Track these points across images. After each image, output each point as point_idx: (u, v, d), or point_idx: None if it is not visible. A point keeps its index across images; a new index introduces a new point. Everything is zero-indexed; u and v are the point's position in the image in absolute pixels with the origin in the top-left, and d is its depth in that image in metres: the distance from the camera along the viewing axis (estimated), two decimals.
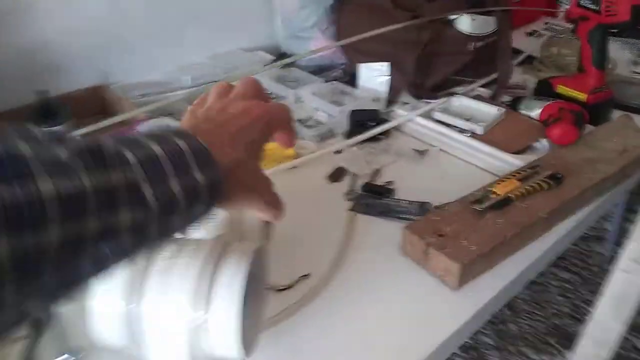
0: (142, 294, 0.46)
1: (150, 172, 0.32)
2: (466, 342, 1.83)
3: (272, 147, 0.93)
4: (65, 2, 0.98)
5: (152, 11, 1.09)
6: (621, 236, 2.23)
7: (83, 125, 0.91)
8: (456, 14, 1.03)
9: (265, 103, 0.44)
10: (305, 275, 0.65)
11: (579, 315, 1.94)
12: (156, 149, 0.33)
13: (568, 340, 1.83)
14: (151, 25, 1.10)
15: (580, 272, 2.13)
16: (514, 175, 0.77)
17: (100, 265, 0.31)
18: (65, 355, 0.55)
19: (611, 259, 2.16)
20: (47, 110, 0.93)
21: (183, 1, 1.14)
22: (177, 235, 0.36)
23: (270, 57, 1.22)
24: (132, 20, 1.07)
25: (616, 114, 1.02)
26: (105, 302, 0.47)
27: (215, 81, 1.06)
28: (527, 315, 1.94)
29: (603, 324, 1.66)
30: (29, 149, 0.26)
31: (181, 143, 0.35)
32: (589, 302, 1.96)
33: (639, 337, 1.84)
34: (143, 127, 0.90)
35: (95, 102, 1.03)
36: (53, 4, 0.97)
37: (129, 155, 0.31)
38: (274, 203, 0.45)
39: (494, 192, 0.73)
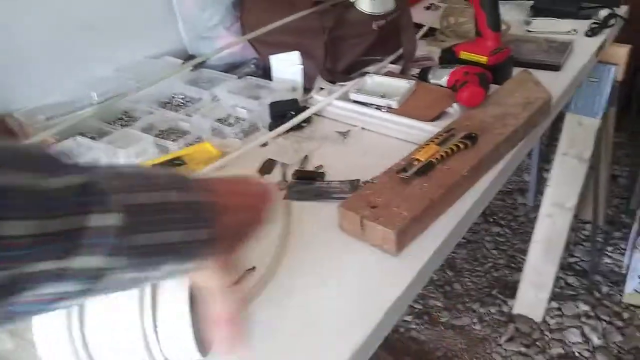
0: (83, 316, 0.45)
1: (153, 219, 0.33)
2: (418, 308, 1.90)
3: (196, 149, 0.92)
4: None
5: (43, 28, 1.04)
6: (540, 185, 2.40)
7: None
8: None
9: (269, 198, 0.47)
10: (250, 269, 0.65)
11: (515, 264, 2.06)
12: (172, 195, 0.34)
13: (509, 289, 1.95)
14: (46, 44, 1.04)
15: (509, 225, 2.27)
16: (432, 141, 0.80)
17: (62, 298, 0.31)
18: None
19: (535, 207, 2.32)
20: None
21: (76, 13, 1.09)
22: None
23: (178, 61, 1.20)
24: (24, 41, 1.01)
25: (516, 71, 1.09)
26: (49, 333, 0.45)
27: (124, 93, 1.03)
28: (468, 272, 2.05)
29: (538, 268, 1.79)
30: (23, 179, 0.27)
31: (196, 195, 0.37)
32: (522, 251, 2.10)
33: (569, 274, 1.99)
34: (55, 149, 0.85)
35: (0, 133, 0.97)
36: None
37: (143, 196, 0.33)
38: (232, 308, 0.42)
39: (417, 159, 0.76)
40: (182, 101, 1.09)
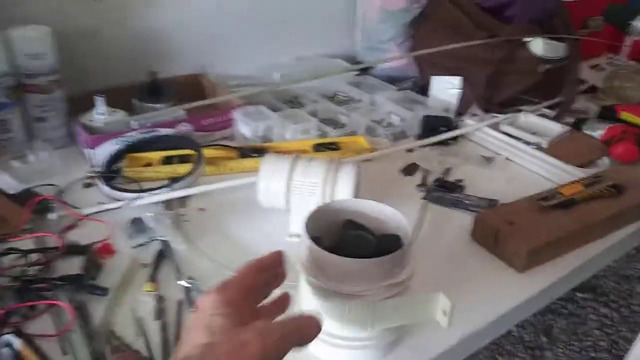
0: (291, 177, 0.74)
1: None
2: None
3: (350, 140, 1.02)
4: None
5: (250, 13, 1.22)
6: None
7: (182, 105, 1.03)
8: (531, 37, 1.10)
9: (260, 335, 0.35)
10: None
11: (616, 351, 1.93)
12: None
13: None
14: (248, 26, 1.22)
15: (620, 310, 2.12)
16: (579, 181, 0.83)
17: None
18: (183, 282, 0.64)
19: None
20: (155, 89, 1.05)
21: (276, 8, 1.26)
22: None
23: (347, 64, 1.32)
24: (233, 19, 1.20)
25: None
26: (271, 184, 0.75)
27: (299, 80, 1.17)
28: (564, 344, 1.95)
29: None
30: None
31: None
32: (627, 340, 1.96)
33: None
34: (239, 112, 1.00)
35: (194, 88, 1.14)
36: None
37: None
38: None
39: (561, 193, 0.79)
40: (344, 98, 1.21)
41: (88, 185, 0.88)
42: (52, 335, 0.55)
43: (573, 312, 2.10)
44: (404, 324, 0.56)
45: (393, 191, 0.90)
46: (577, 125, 1.08)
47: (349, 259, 0.49)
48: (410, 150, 1.02)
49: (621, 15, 1.10)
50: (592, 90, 1.38)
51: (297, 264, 0.54)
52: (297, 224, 0.76)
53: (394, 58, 1.22)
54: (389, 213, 0.58)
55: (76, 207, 0.80)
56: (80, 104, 0.99)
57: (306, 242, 0.53)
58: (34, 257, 0.67)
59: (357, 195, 0.76)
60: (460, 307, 0.65)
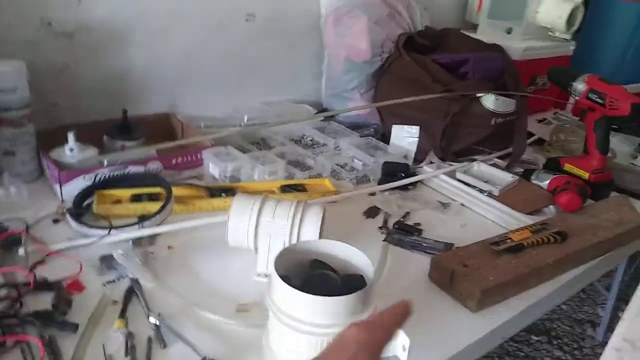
0: (260, 218, 0.77)
1: None
2: None
3: (316, 182, 1.06)
4: (154, 39, 1.16)
5: (220, 59, 1.27)
6: (613, 323, 2.32)
7: (153, 144, 1.06)
8: (483, 93, 1.19)
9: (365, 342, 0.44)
10: None
11: None
12: None
13: None
14: (218, 70, 1.27)
15: (572, 352, 2.20)
16: (527, 228, 0.90)
17: None
18: (153, 319, 0.66)
19: (602, 344, 2.24)
20: (126, 126, 1.08)
21: (246, 54, 1.32)
22: None
23: (313, 110, 1.38)
24: (203, 63, 1.24)
25: (614, 195, 1.16)
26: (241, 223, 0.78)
27: (266, 123, 1.22)
28: None
29: None
30: None
31: None
32: None
33: None
34: (208, 152, 1.04)
35: (163, 127, 1.17)
36: (144, 39, 1.14)
37: None
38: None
39: (510, 238, 0.86)
40: (310, 142, 1.26)
41: (57, 221, 0.88)
42: None
43: (528, 355, 2.16)
44: None
45: (356, 232, 0.94)
46: (525, 175, 1.17)
47: (318, 296, 0.53)
48: (372, 194, 1.07)
49: (562, 77, 1.21)
50: (539, 142, 1.49)
51: (266, 302, 0.57)
52: (263, 264, 0.79)
53: (357, 108, 1.28)
54: (354, 254, 0.62)
55: (45, 243, 0.80)
56: (50, 139, 1.00)
57: (276, 280, 0.56)
58: (2, 292, 0.67)
59: (322, 235, 0.80)
60: (419, 344, 0.69)
